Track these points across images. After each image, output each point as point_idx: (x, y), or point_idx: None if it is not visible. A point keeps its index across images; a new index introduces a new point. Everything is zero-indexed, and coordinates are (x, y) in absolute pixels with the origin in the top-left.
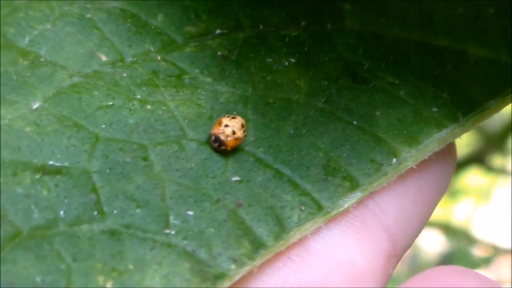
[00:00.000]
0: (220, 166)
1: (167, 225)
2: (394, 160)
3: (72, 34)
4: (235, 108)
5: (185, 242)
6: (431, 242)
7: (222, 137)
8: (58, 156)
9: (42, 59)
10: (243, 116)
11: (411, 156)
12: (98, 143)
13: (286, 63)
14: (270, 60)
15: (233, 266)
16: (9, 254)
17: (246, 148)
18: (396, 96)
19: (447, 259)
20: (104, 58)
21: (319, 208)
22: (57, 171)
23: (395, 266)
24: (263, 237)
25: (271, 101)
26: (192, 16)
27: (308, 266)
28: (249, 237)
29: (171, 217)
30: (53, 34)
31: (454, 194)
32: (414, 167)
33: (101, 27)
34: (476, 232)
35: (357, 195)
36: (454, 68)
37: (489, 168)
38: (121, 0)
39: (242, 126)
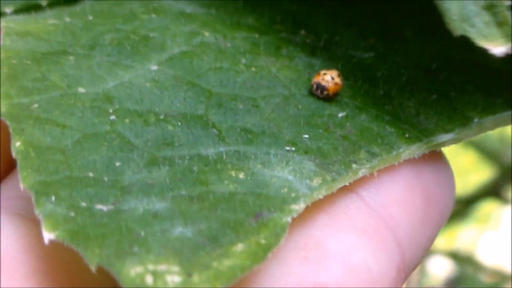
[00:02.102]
0: (325, 108)
1: (286, 144)
2: (476, 120)
3: (175, 19)
4: None
5: (306, 155)
6: (438, 267)
7: (323, 83)
8: (178, 105)
9: (151, 35)
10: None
11: (488, 121)
12: (212, 96)
13: (366, 56)
14: (352, 52)
15: (354, 165)
16: (144, 169)
17: (345, 100)
18: (465, 88)
19: (454, 284)
20: (207, 33)
21: (420, 139)
22: (178, 115)
23: (403, 283)
24: (376, 151)
25: (359, 74)
26: (279, 20)
27: (325, 267)
28: (364, 149)
29: (288, 138)
30: (158, 20)
31: (462, 219)
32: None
33: (201, 17)
34: (484, 258)
35: (452, 135)
36: (509, 80)
37: (504, 200)
38: (214, 9)
39: (339, 75)
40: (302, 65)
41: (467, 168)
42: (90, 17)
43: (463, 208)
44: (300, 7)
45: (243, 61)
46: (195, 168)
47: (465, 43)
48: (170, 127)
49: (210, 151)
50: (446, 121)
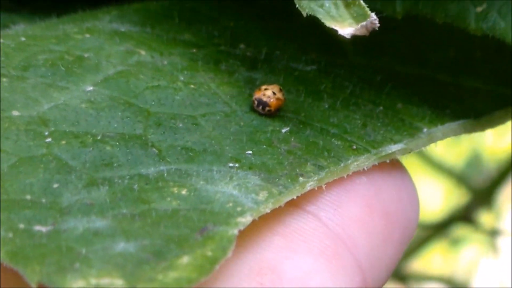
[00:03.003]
0: (268, 124)
1: (229, 160)
2: (425, 129)
3: (109, 39)
4: None
5: (250, 170)
6: None
7: (264, 99)
8: (115, 126)
9: (86, 55)
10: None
11: (438, 130)
12: (150, 116)
13: (309, 68)
14: (294, 65)
15: (301, 178)
16: (83, 190)
17: (288, 115)
18: (411, 99)
19: None
20: (143, 52)
21: (368, 151)
22: (116, 135)
23: None
24: (323, 164)
25: (302, 88)
26: (217, 35)
27: None
28: (310, 163)
29: (230, 155)
30: (92, 40)
31: (454, 245)
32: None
33: (135, 36)
34: (479, 284)
35: (401, 145)
36: (457, 91)
37: (478, 226)
38: (149, 27)
39: (281, 90)
40: (243, 80)
41: (438, 192)
42: (23, 38)
43: (434, 232)
44: (238, 23)
45: (181, 78)
46: (135, 187)
47: (411, 57)
48: (108, 148)
49: (151, 170)
50: (394, 132)
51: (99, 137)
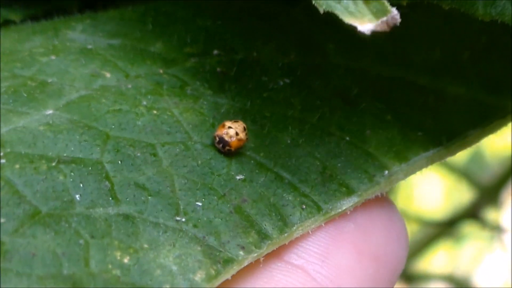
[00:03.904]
0: (224, 166)
1: (177, 213)
2: (386, 172)
3: (75, 60)
4: (235, 118)
5: (196, 229)
6: None
7: (226, 138)
8: (72, 149)
9: (49, 80)
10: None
11: (401, 170)
12: (109, 140)
13: (281, 83)
14: (266, 79)
15: (241, 253)
16: (28, 230)
17: (248, 153)
18: (384, 119)
19: None
20: (108, 75)
21: (319, 209)
22: (71, 160)
23: None
24: (268, 230)
25: (268, 114)
26: (189, 41)
27: None
28: (255, 228)
29: (181, 206)
30: (58, 62)
31: (457, 242)
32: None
33: (102, 53)
34: (481, 280)
35: (354, 199)
36: (436, 101)
37: (484, 223)
38: (119, 38)
39: (244, 129)
40: (207, 107)
41: (445, 190)
42: None
43: (442, 230)
44: (214, 22)
45: (144, 103)
46: (81, 242)
47: (394, 58)
48: (61, 178)
49: (100, 212)
50: (352, 177)
51: (53, 164)
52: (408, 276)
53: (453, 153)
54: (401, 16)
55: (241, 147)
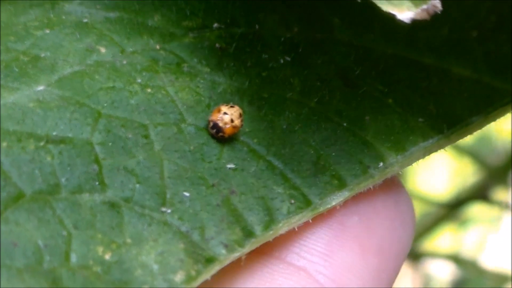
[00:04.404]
0: (216, 152)
1: (164, 203)
2: (381, 164)
3: (70, 34)
4: (232, 99)
5: (180, 222)
6: (442, 271)
7: (220, 124)
8: (62, 128)
9: (42, 55)
10: (239, 107)
11: (397, 162)
12: (101, 118)
13: (282, 61)
14: (266, 56)
15: (223, 251)
16: (12, 215)
17: (241, 138)
18: (385, 103)
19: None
20: (103, 50)
21: (308, 203)
22: (60, 140)
23: None
24: (253, 225)
25: (266, 95)
26: (189, 14)
27: None
28: (240, 224)
29: (168, 196)
30: (52, 36)
31: (463, 223)
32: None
33: (99, 27)
34: (486, 261)
35: (344, 194)
36: (439, 83)
37: (492, 203)
38: (116, 11)
39: (240, 115)
40: (204, 86)
41: (453, 171)
42: None
43: (450, 211)
44: None
45: (139, 80)
46: (64, 233)
47: (399, 35)
48: (48, 159)
49: (86, 197)
50: (346, 167)
51: (42, 143)
52: (413, 254)
53: (452, 141)
54: None
55: (235, 133)
